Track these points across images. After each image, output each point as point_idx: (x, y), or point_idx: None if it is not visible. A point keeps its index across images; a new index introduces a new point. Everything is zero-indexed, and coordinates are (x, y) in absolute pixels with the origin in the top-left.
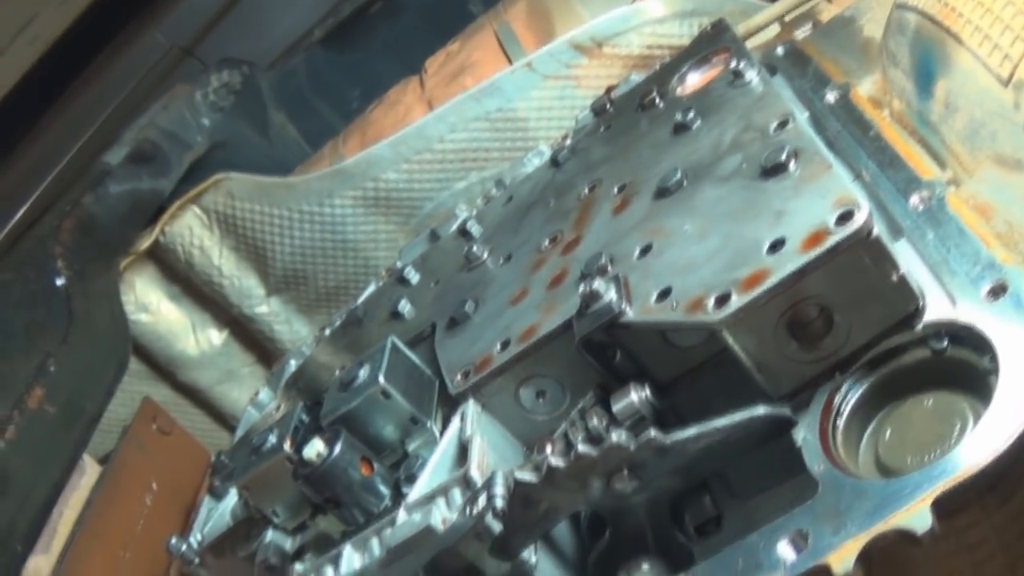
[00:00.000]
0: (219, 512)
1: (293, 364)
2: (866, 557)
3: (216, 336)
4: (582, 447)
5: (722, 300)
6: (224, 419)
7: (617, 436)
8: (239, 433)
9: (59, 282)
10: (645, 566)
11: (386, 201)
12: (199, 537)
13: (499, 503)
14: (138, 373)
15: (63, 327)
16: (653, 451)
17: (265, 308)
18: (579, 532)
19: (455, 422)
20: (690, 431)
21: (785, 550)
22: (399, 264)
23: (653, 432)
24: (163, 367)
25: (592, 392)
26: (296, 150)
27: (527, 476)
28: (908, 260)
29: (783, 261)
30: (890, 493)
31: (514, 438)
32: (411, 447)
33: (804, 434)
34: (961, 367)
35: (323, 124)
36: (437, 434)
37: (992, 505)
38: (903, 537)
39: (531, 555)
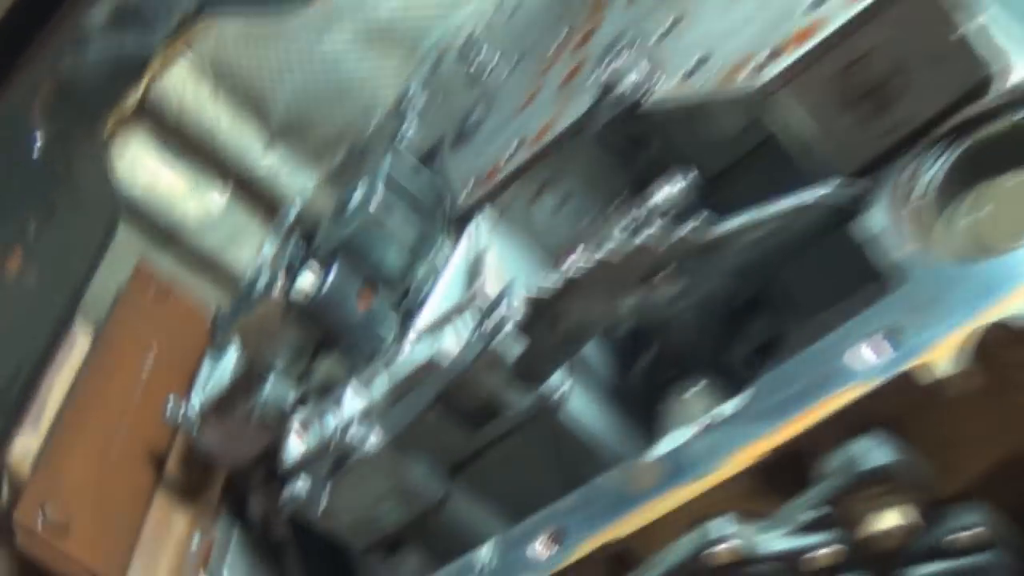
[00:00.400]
0: (220, 370)
1: (293, 211)
2: (977, 352)
3: (218, 197)
4: (610, 246)
5: (766, 62)
6: (234, 286)
7: (650, 231)
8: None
9: (38, 145)
10: (698, 386)
11: (385, 34)
12: (200, 399)
13: (515, 318)
14: (138, 245)
15: (44, 192)
16: (694, 246)
17: (267, 162)
18: (617, 353)
19: (464, 238)
20: (739, 219)
21: (866, 353)
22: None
23: (692, 223)
24: (164, 236)
25: (622, 196)
26: None
27: (547, 285)
28: (990, 16)
29: (832, 11)
30: (1001, 273)
31: (533, 255)
32: (417, 275)
33: (878, 218)
34: None
35: None
36: (448, 255)
37: None
38: None
39: (561, 381)
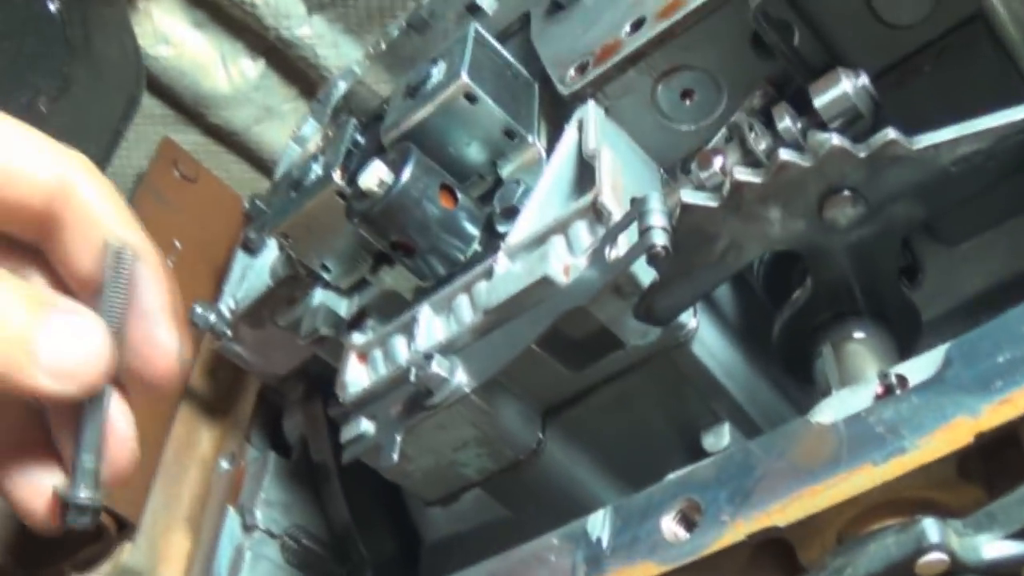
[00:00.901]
0: (255, 271)
1: (342, 86)
2: None
3: (251, 68)
4: (785, 152)
5: None
6: (264, 166)
7: (834, 141)
8: (279, 173)
9: (52, 8)
10: (863, 332)
11: None
12: (231, 304)
13: (660, 238)
14: (163, 118)
15: (58, 61)
16: (892, 160)
17: (307, 29)
18: (746, 291)
19: (570, 132)
20: (945, 133)
21: None
22: None
23: (893, 133)
24: (191, 109)
25: (760, 92)
26: None
27: (702, 199)
28: None
29: None
30: None
31: (650, 150)
32: (506, 171)
33: None
34: None
35: None
36: (542, 152)
37: None
38: None
39: (689, 318)
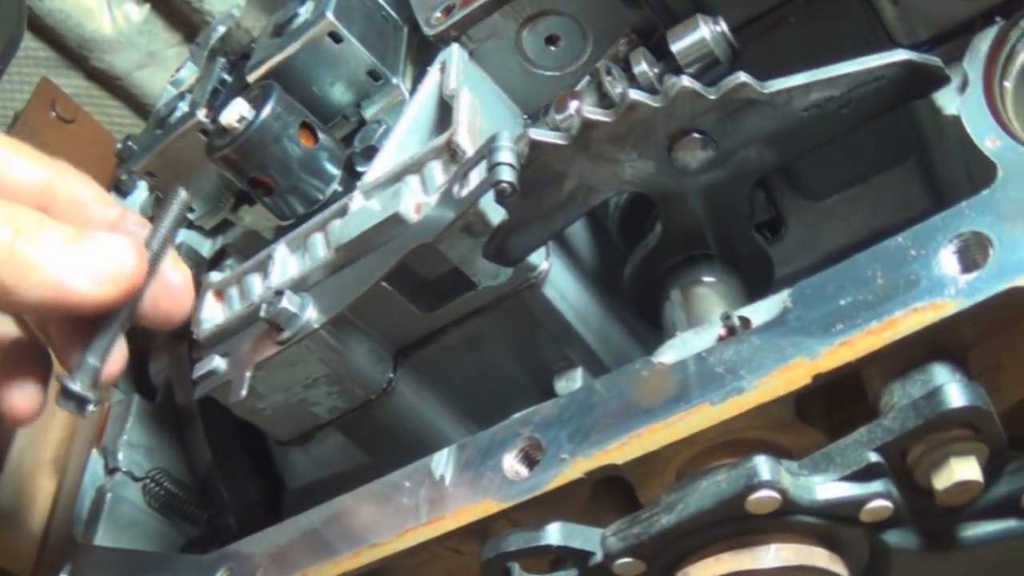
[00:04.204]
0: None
1: (221, 29)
2: None
3: (135, 12)
4: (635, 93)
5: None
6: (147, 112)
7: (684, 82)
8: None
9: None
10: (712, 276)
11: None
12: None
13: (507, 175)
14: (46, 61)
15: None
16: (743, 103)
17: None
18: (602, 234)
19: (432, 74)
20: (798, 78)
21: (947, 264)
22: None
23: (744, 76)
24: (74, 52)
25: (625, 39)
26: None
27: (551, 136)
28: None
29: None
30: None
31: (512, 102)
32: (369, 112)
33: (962, 96)
34: None
35: None
36: (406, 94)
37: None
38: None
39: (541, 259)
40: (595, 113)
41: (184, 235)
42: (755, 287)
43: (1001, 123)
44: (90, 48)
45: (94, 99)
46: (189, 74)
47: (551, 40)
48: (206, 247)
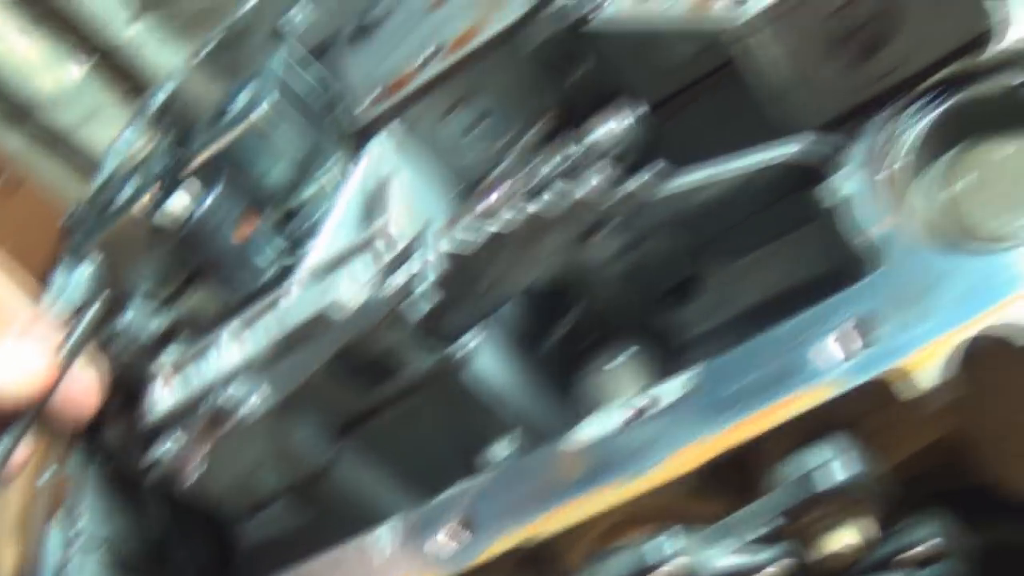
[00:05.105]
0: (73, 283)
1: (161, 96)
2: (965, 361)
3: (77, 70)
4: (535, 207)
5: None
6: (92, 169)
7: (594, 182)
8: (97, 181)
9: None
10: (626, 355)
11: None
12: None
13: (429, 275)
14: None
15: None
16: (645, 203)
17: (131, 33)
18: (532, 311)
19: (363, 161)
20: (696, 175)
21: (833, 348)
22: None
23: (643, 176)
24: (17, 110)
25: (548, 118)
26: None
27: (470, 238)
28: None
29: None
30: (994, 270)
31: (443, 181)
32: (304, 196)
33: (851, 181)
34: None
35: None
36: (344, 175)
37: None
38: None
39: (470, 339)
40: (517, 216)
41: (132, 312)
42: (669, 358)
43: (888, 208)
44: (32, 105)
45: (39, 157)
46: (132, 137)
47: (478, 119)
48: (154, 323)
